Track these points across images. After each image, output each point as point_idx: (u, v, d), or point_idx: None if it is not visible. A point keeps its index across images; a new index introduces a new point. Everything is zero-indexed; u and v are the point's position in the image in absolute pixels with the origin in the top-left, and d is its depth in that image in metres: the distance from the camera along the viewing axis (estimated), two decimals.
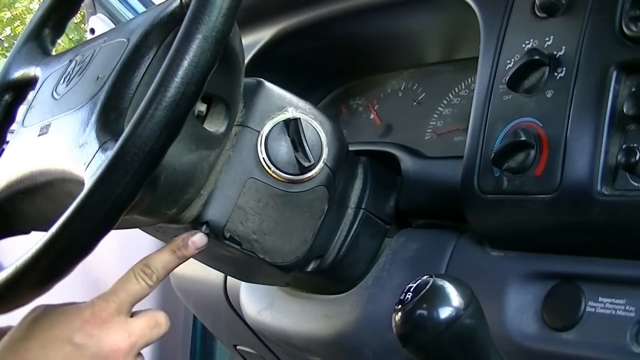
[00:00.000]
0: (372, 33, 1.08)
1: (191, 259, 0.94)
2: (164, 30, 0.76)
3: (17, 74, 0.95)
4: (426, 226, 0.90)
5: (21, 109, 0.95)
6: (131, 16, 1.76)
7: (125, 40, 0.78)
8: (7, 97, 0.95)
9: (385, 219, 0.92)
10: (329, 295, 0.94)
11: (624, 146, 0.68)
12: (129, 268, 0.78)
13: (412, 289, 0.62)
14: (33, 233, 0.89)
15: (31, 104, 0.90)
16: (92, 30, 1.80)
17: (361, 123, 1.15)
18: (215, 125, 0.79)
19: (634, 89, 0.68)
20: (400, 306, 0.62)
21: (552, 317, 0.72)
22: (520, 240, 0.77)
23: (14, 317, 0.74)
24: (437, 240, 0.86)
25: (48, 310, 0.75)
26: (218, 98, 0.79)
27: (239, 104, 0.81)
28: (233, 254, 0.83)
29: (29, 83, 0.94)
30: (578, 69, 0.72)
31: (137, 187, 0.62)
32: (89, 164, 0.68)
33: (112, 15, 1.81)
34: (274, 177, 0.81)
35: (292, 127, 0.81)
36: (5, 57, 0.98)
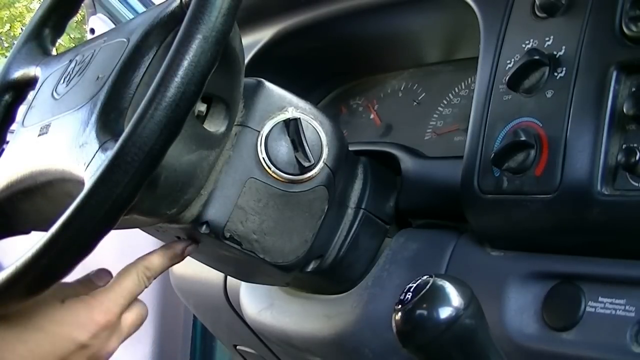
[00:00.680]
0: (372, 33, 1.08)
1: (191, 258, 0.94)
2: (164, 30, 0.76)
3: (17, 74, 0.95)
4: (426, 226, 0.90)
5: (21, 109, 0.95)
6: (131, 16, 1.76)
7: (125, 40, 0.78)
8: (7, 97, 0.95)
9: (385, 219, 0.92)
10: (329, 295, 0.94)
11: (624, 146, 0.68)
12: (131, 266, 0.80)
13: (412, 289, 0.62)
14: (33, 233, 0.89)
15: (31, 104, 0.90)
16: (92, 30, 1.80)
17: (361, 123, 1.15)
18: (215, 125, 0.79)
19: (634, 89, 0.68)
20: (400, 306, 0.62)
21: (552, 317, 0.72)
22: (520, 240, 0.77)
23: None
24: (437, 240, 0.86)
25: (59, 302, 0.76)
26: (218, 98, 0.78)
27: (239, 104, 0.81)
28: (233, 254, 0.83)
29: (29, 83, 0.94)
30: (578, 69, 0.72)
31: (137, 187, 0.62)
32: (89, 164, 0.68)
33: (112, 15, 1.81)
34: (274, 177, 0.81)
35: (292, 127, 0.81)
36: (5, 57, 0.98)
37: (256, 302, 1.04)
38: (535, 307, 0.73)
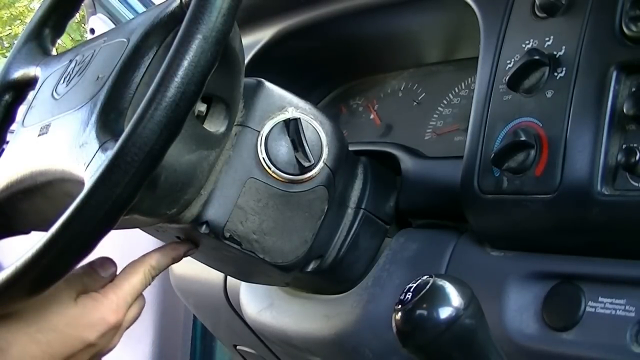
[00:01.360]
0: (372, 33, 1.08)
1: (191, 258, 0.94)
2: (164, 30, 0.76)
3: (17, 74, 0.95)
4: (426, 226, 0.90)
5: (21, 109, 0.95)
6: (131, 16, 1.76)
7: (125, 40, 0.78)
8: (7, 97, 0.95)
9: (385, 219, 0.92)
10: (329, 295, 0.94)
11: (624, 146, 0.68)
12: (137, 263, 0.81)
13: (412, 289, 0.62)
14: (33, 233, 0.89)
15: (31, 104, 0.90)
16: (92, 30, 1.80)
17: (361, 123, 1.15)
18: (215, 125, 0.79)
19: (634, 89, 0.68)
20: (400, 306, 0.62)
21: (552, 317, 0.72)
22: (520, 240, 0.77)
23: None
24: (437, 240, 0.86)
25: (72, 300, 0.76)
26: (218, 98, 0.78)
27: (239, 104, 0.81)
28: (233, 254, 0.83)
29: (29, 83, 0.94)
30: (578, 69, 0.72)
31: (137, 187, 0.62)
32: (89, 164, 0.68)
33: (112, 15, 1.81)
34: (274, 177, 0.81)
35: (292, 127, 0.81)
36: (5, 57, 0.98)
37: (256, 302, 1.04)
38: (535, 307, 0.73)
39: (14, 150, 0.87)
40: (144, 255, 0.81)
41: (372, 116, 1.13)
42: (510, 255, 0.78)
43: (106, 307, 0.76)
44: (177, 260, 0.83)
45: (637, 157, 0.66)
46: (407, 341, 0.61)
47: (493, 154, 0.76)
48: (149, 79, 0.74)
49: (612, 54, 0.70)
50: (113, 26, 1.63)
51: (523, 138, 0.73)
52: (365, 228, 0.90)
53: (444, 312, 0.60)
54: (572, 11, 0.75)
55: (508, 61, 0.79)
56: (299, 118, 0.81)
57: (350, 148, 0.90)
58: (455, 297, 0.60)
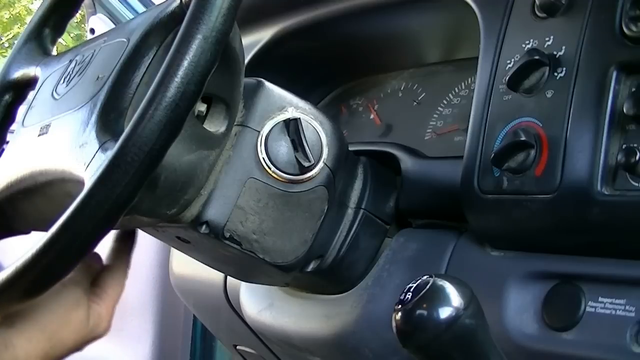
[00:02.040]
0: (372, 33, 1.08)
1: (191, 258, 0.94)
2: (164, 30, 0.76)
3: (17, 74, 0.95)
4: (426, 226, 0.90)
5: (21, 109, 0.95)
6: (131, 16, 1.76)
7: (125, 40, 0.78)
8: (7, 97, 0.95)
9: (385, 219, 0.92)
10: (329, 295, 0.94)
11: (624, 146, 0.68)
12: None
13: (412, 289, 0.62)
14: (33, 233, 0.89)
15: (31, 104, 0.90)
16: (92, 30, 1.80)
17: (361, 123, 1.15)
18: (215, 125, 0.79)
19: (634, 89, 0.68)
20: (400, 306, 0.62)
21: (552, 317, 0.72)
22: (520, 240, 0.77)
23: None
24: (437, 240, 0.86)
25: (74, 301, 0.78)
26: (218, 98, 0.78)
27: (239, 104, 0.81)
28: (233, 254, 0.83)
29: (29, 83, 0.94)
30: (578, 69, 0.72)
31: (137, 187, 0.62)
32: (89, 164, 0.68)
33: (112, 15, 1.81)
34: (274, 177, 0.81)
35: (292, 127, 0.81)
36: (5, 58, 0.98)
37: (256, 302, 1.04)
38: (535, 307, 0.73)
39: (14, 150, 0.86)
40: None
41: (372, 116, 1.13)
42: (510, 255, 0.78)
43: (107, 321, 0.80)
44: None
45: (637, 157, 0.66)
46: (407, 341, 0.61)
47: (493, 154, 0.76)
48: (149, 79, 0.74)
49: (612, 54, 0.70)
50: (113, 26, 1.63)
51: (523, 138, 0.73)
52: (365, 228, 0.90)
53: (444, 312, 0.60)
54: (572, 11, 0.75)
55: (508, 61, 0.79)
56: (299, 118, 0.81)
57: (350, 148, 0.90)
58: (455, 297, 0.60)
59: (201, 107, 0.78)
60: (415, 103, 1.07)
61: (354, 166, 0.91)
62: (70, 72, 0.85)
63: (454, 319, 0.59)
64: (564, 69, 0.73)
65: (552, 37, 0.75)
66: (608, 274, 0.70)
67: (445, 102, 1.02)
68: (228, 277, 1.16)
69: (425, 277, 0.62)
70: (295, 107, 0.83)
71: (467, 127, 0.81)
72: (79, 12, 1.07)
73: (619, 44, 0.69)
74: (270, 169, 0.81)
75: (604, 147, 0.69)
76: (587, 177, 0.69)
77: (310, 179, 0.82)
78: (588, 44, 0.72)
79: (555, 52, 0.75)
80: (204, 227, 0.79)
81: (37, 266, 0.64)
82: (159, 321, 1.75)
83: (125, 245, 0.86)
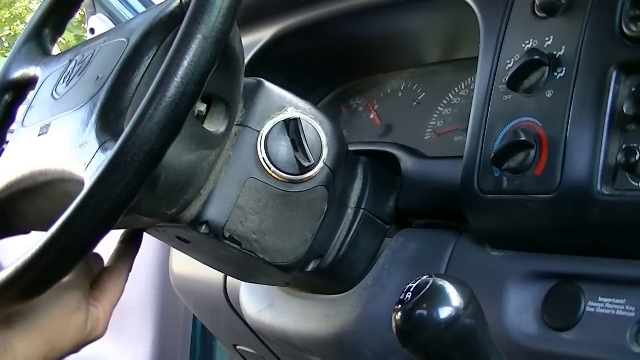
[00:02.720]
0: (372, 33, 1.08)
1: (191, 258, 0.94)
2: (164, 30, 0.76)
3: (17, 74, 0.95)
4: (426, 226, 0.90)
5: (21, 109, 0.95)
6: (131, 16, 1.76)
7: (125, 40, 0.78)
8: (7, 97, 0.95)
9: (385, 219, 0.92)
10: (329, 295, 0.94)
11: (624, 146, 0.68)
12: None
13: (412, 289, 0.62)
14: (33, 233, 0.89)
15: (31, 104, 0.90)
16: (92, 30, 1.80)
17: (361, 123, 1.15)
18: (215, 125, 0.79)
19: (634, 89, 0.68)
20: (400, 306, 0.62)
21: (552, 317, 0.72)
22: (520, 240, 0.77)
23: None
24: (437, 240, 0.86)
25: (74, 303, 0.78)
26: (218, 98, 0.78)
27: (239, 104, 0.81)
28: (233, 254, 0.83)
29: (29, 83, 0.94)
30: (578, 69, 0.72)
31: (137, 187, 0.62)
32: (89, 164, 0.68)
33: (112, 15, 1.81)
34: (274, 177, 0.81)
35: (292, 127, 0.81)
36: (5, 57, 0.98)
37: (256, 302, 1.04)
38: (535, 307, 0.73)
39: (14, 150, 0.86)
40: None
41: (372, 116, 1.13)
42: (510, 255, 0.78)
43: (104, 324, 0.81)
44: None
45: (637, 157, 0.66)
46: (407, 341, 0.61)
47: (493, 154, 0.76)
48: (149, 79, 0.74)
49: (612, 54, 0.70)
50: (113, 26, 1.63)
51: (523, 138, 0.73)
52: (365, 228, 0.90)
53: (444, 312, 0.60)
54: (572, 11, 0.75)
55: (508, 61, 0.79)
56: (299, 118, 0.81)
57: (350, 148, 0.90)
58: (455, 297, 0.60)
59: (201, 107, 0.78)
60: (415, 103, 1.07)
61: (354, 166, 0.91)
62: (70, 72, 0.85)
63: (454, 319, 0.59)
64: (564, 69, 0.73)
65: (552, 37, 0.75)
66: (608, 274, 0.70)
67: (445, 102, 1.02)
68: (228, 277, 1.16)
69: (425, 277, 0.62)
70: (295, 107, 0.83)
71: (467, 127, 0.81)
72: (79, 12, 1.07)
73: (619, 44, 0.69)
74: (270, 169, 0.81)
75: (604, 147, 0.69)
76: (587, 177, 0.69)
77: (310, 179, 0.82)
78: (588, 44, 0.72)
79: (555, 52, 0.75)
80: (204, 227, 0.79)
81: (37, 266, 0.64)
82: (159, 321, 1.75)
83: (129, 248, 0.86)
